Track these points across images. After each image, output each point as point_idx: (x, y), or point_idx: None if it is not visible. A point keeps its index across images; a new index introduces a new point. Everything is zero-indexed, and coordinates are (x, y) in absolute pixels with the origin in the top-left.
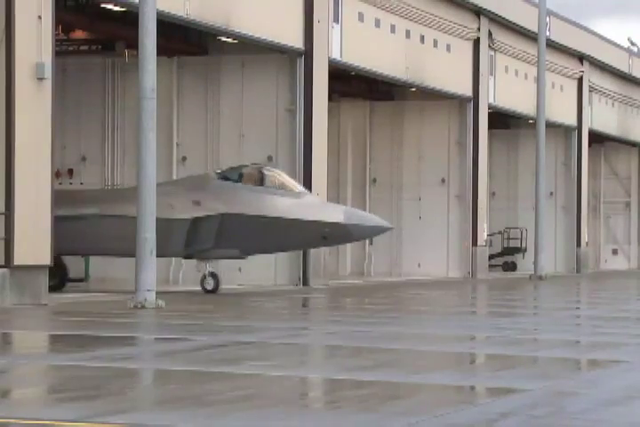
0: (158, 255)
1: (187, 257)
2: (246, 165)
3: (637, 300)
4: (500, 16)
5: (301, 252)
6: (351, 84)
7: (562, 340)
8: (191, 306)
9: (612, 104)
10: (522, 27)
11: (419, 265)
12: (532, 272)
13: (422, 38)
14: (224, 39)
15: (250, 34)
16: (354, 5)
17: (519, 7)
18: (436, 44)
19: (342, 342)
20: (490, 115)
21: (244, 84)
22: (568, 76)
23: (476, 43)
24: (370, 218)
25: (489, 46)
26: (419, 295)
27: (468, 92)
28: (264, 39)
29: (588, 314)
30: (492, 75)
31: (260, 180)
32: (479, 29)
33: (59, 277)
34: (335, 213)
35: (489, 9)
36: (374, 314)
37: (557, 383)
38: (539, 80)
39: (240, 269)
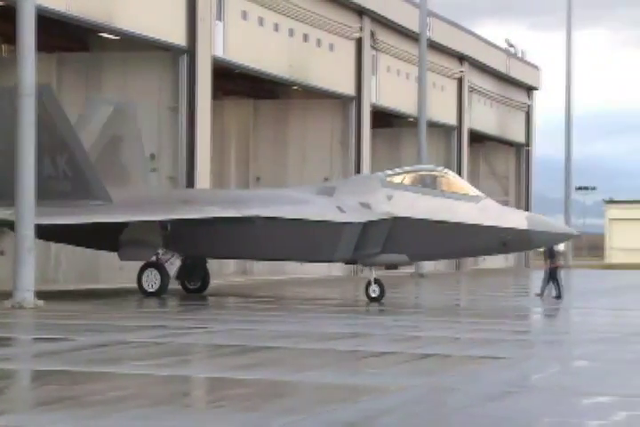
0: (325, 260)
1: (349, 262)
2: (417, 167)
3: (515, 297)
4: (382, 16)
5: None
6: (235, 83)
7: (443, 337)
8: (71, 306)
9: (491, 104)
10: (404, 27)
11: (302, 263)
12: (414, 270)
13: (306, 37)
14: (106, 36)
15: (132, 31)
16: (237, 3)
17: (401, 8)
18: (319, 43)
19: (225, 341)
20: (372, 114)
21: (127, 81)
22: (448, 77)
23: (359, 42)
24: (555, 225)
25: (371, 46)
26: (302, 293)
27: (351, 92)
28: (146, 36)
29: (467, 311)
30: (374, 74)
31: (433, 183)
32: (362, 29)
33: (201, 279)
34: (517, 219)
35: (371, 9)
36: (258, 313)
37: (438, 380)
38: (420, 80)
39: (121, 268)
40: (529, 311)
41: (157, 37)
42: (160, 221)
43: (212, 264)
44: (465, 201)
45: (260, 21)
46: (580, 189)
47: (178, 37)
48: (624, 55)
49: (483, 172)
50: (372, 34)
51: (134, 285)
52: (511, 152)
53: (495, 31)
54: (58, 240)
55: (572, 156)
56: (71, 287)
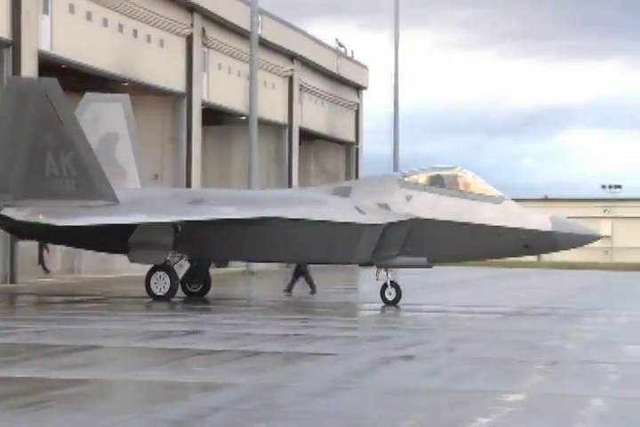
0: (343, 262)
1: (365, 264)
2: (436, 167)
3: (345, 293)
4: (213, 13)
5: (8, 246)
6: (63, 78)
7: (272, 334)
8: None
9: (322, 103)
10: (235, 25)
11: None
12: (244, 268)
13: (135, 33)
14: None
15: None
16: None
17: (232, 5)
18: (149, 39)
19: (51, 341)
20: (203, 111)
21: None
22: (279, 75)
23: (190, 39)
24: (579, 226)
25: (202, 43)
26: (131, 292)
27: (182, 89)
28: None
29: (298, 308)
30: (205, 71)
31: (452, 183)
32: (192, 26)
33: (202, 282)
34: (541, 221)
35: (202, 6)
36: (85, 311)
37: (266, 377)
38: (251, 78)
39: None
40: (358, 308)
41: None
42: (173, 223)
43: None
44: (486, 202)
45: (89, 16)
46: None
47: (1, 30)
48: (450, 56)
49: (313, 170)
50: (203, 31)
51: None
52: (341, 150)
53: (326, 30)
54: (58, 242)
55: (401, 154)
56: None
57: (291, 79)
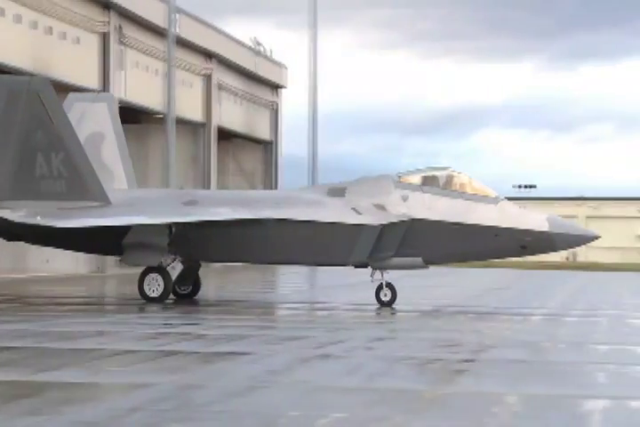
0: (339, 264)
1: (359, 266)
2: (432, 168)
3: (262, 293)
4: (129, 11)
5: None
6: None
7: (190, 333)
8: None
9: (240, 102)
10: (151, 23)
11: (47, 261)
12: None
13: (49, 30)
14: None
15: None
16: None
17: (149, 3)
18: (64, 36)
19: None
20: (120, 109)
21: None
22: (196, 74)
23: (105, 36)
24: (575, 227)
25: (119, 41)
26: (45, 292)
27: (98, 87)
28: None
29: (214, 308)
30: (121, 69)
31: (448, 183)
32: (108, 23)
33: (192, 284)
34: (538, 221)
35: (118, 3)
36: None
37: (184, 377)
38: (168, 76)
39: None
40: (275, 307)
41: None
42: (168, 224)
43: None
44: (483, 202)
45: (1, 12)
46: None
47: None
48: (369, 55)
49: (231, 168)
50: (120, 28)
51: None
52: (258, 149)
53: (244, 29)
54: (49, 244)
55: (320, 153)
56: None
57: (208, 78)
